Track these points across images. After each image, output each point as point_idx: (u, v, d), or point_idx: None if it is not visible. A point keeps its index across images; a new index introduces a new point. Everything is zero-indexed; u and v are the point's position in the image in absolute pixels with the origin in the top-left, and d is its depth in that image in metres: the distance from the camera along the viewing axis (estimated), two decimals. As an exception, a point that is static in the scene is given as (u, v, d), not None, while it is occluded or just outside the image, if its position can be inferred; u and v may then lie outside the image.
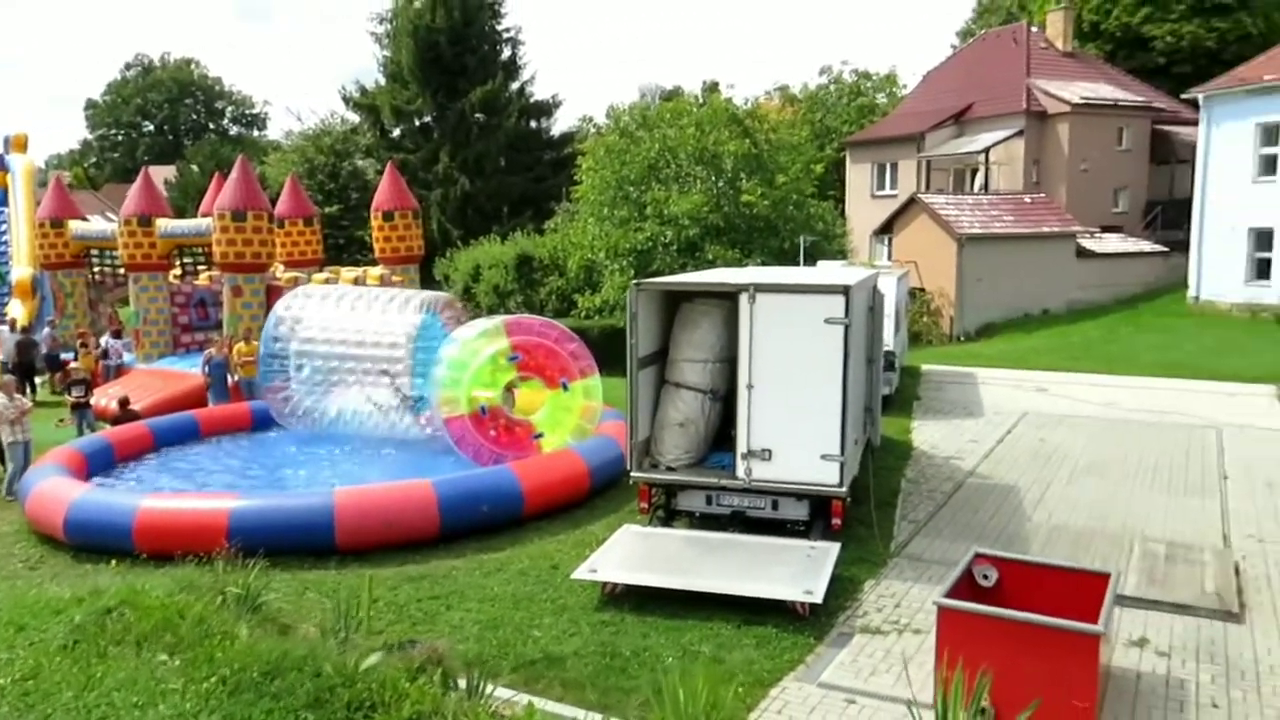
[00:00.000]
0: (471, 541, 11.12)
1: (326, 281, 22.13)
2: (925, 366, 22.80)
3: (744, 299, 10.31)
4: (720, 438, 11.46)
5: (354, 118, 53.82)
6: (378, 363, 15.60)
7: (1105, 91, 37.48)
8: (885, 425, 16.06)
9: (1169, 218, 35.53)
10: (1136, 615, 8.90)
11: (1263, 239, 28.58)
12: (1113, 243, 34.23)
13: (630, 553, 9.82)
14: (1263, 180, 28.50)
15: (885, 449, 14.85)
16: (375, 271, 24.20)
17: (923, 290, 30.50)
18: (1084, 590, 7.60)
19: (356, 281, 22.53)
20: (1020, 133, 36.17)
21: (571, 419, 14.06)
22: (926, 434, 16.24)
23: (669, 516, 11.14)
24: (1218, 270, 29.68)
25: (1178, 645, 8.33)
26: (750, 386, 10.34)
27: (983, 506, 12.35)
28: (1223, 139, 29.61)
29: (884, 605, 9.20)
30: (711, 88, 55.19)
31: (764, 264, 25.29)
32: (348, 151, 53.70)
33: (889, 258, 32.84)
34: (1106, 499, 12.51)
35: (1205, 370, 21.38)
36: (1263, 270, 28.60)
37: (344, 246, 48.68)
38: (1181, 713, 7.20)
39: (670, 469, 11.09)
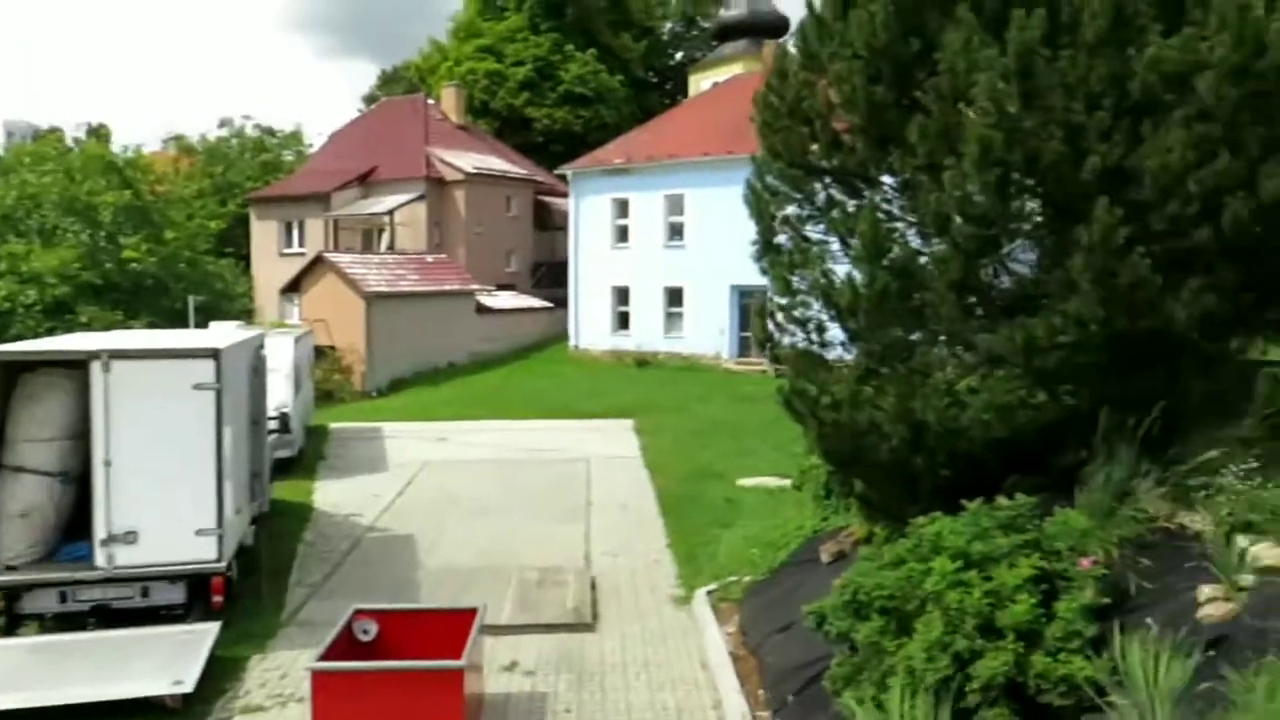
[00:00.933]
0: None
1: None
2: (334, 425, 22.69)
3: (96, 367, 9.28)
4: (78, 524, 10.09)
5: None
6: None
7: (495, 163, 41.28)
8: (288, 489, 15.70)
9: (552, 277, 40.13)
10: (510, 641, 9.67)
11: (622, 295, 33.67)
12: (507, 299, 37.63)
13: (-50, 677, 8.15)
14: (619, 246, 33.64)
15: (285, 513, 14.41)
16: None
17: (333, 348, 30.43)
18: (458, 628, 8.05)
19: None
20: (422, 197, 38.20)
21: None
22: (329, 493, 16.11)
23: (13, 623, 9.49)
24: (591, 322, 34.26)
25: (542, 662, 9.23)
26: (108, 464, 9.30)
27: (380, 560, 12.55)
28: (588, 210, 34.38)
29: (269, 680, 8.81)
30: (95, 131, 49.65)
31: (153, 326, 23.17)
32: None
33: (299, 316, 32.25)
34: (494, 536, 13.50)
35: (581, 410, 24.35)
36: (623, 322, 33.67)
37: None
38: (540, 723, 7.97)
39: (11, 568, 9.46)
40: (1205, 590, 5.78)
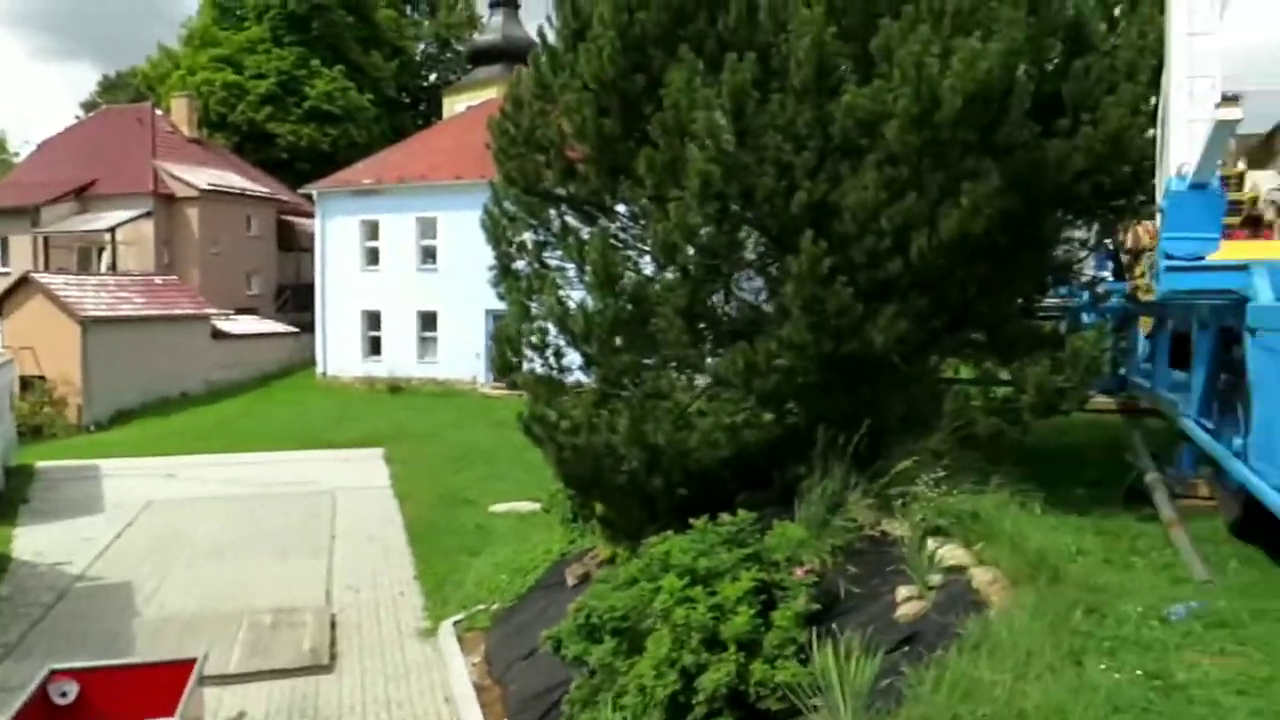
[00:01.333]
0: None
1: None
2: (41, 464, 20.40)
3: None
4: None
5: None
6: None
7: (233, 180, 38.86)
8: (-21, 539, 13.95)
9: (299, 300, 38.20)
10: (239, 690, 9.06)
11: (373, 320, 32.58)
12: (248, 324, 35.40)
13: None
14: (369, 269, 32.53)
15: (-26, 567, 12.79)
16: None
17: (43, 378, 27.48)
18: (174, 681, 7.42)
19: None
20: (149, 213, 35.33)
21: None
22: (33, 540, 14.44)
23: None
24: (340, 347, 32.83)
25: (274, 710, 8.71)
26: None
27: (89, 612, 11.38)
28: (336, 231, 33.02)
29: (-59, 760, 7.74)
30: None
31: None
32: None
33: (1, 344, 28.83)
34: (224, 579, 12.60)
35: (328, 439, 23.27)
36: (375, 347, 32.54)
37: None
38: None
39: None
40: (902, 591, 6.32)
